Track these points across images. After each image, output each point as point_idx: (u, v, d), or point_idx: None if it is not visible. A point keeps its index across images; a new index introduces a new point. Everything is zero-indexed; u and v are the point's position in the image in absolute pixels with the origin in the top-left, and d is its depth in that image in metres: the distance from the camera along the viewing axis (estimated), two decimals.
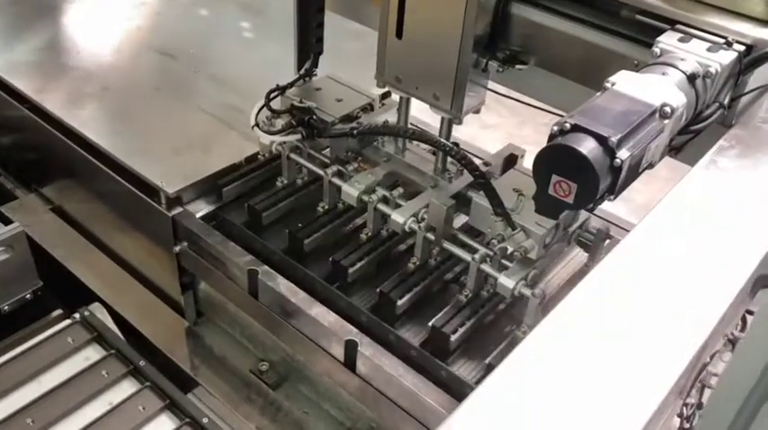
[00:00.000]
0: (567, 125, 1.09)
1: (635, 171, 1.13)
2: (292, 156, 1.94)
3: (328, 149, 1.95)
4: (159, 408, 1.78)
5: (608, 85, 1.19)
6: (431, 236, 1.71)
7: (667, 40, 1.33)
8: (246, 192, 2.02)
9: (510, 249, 1.59)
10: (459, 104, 1.57)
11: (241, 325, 2.03)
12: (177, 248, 1.98)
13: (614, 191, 1.10)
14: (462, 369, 1.64)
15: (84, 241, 2.27)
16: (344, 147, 1.89)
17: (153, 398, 1.80)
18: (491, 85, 1.60)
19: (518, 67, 1.49)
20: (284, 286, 1.78)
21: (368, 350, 1.62)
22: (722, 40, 1.30)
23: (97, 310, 2.02)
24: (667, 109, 1.15)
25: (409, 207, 1.75)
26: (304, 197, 2.00)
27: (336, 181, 1.86)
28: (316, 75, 2.00)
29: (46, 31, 2.59)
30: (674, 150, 1.33)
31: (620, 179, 1.08)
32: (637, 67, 1.33)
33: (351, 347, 1.64)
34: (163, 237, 1.99)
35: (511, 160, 1.80)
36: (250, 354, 2.04)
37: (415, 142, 1.86)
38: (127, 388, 1.84)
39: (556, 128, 1.10)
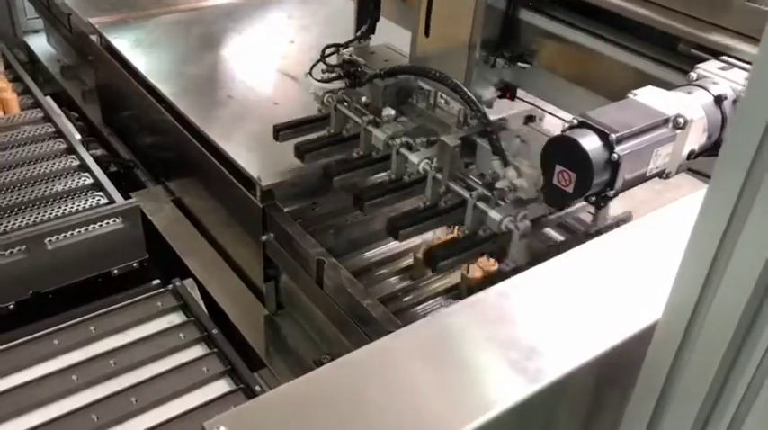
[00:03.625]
0: (575, 121, 1.19)
1: (638, 172, 1.20)
2: (339, 107, 2.11)
3: None
4: (220, 372, 1.98)
5: (630, 95, 1.28)
6: (439, 176, 1.81)
7: (707, 67, 1.39)
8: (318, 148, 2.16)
9: (504, 187, 1.68)
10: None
11: (311, 317, 2.20)
12: (264, 238, 2.20)
13: (614, 185, 1.18)
14: None
15: (191, 227, 2.56)
16: (382, 100, 2.03)
17: (217, 362, 2.00)
18: (539, 102, 1.72)
19: (520, 64, 1.70)
20: (345, 277, 1.94)
21: None
22: None
23: (189, 285, 2.26)
24: (680, 120, 1.21)
25: (426, 152, 1.89)
26: (348, 146, 2.15)
27: (370, 128, 2.01)
28: (370, 38, 2.22)
29: (195, 48, 2.98)
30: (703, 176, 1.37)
31: (618, 174, 1.16)
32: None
33: None
34: (254, 227, 2.22)
35: (529, 120, 1.88)
36: (317, 347, 2.20)
37: (444, 102, 2.02)
38: (198, 351, 2.05)
39: (566, 124, 1.20)
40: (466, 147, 1.78)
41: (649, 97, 1.25)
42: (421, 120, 2.03)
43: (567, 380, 0.91)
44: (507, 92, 1.93)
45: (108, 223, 2.33)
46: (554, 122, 1.94)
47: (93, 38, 3.03)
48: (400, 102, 2.06)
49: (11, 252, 2.18)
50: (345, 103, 2.11)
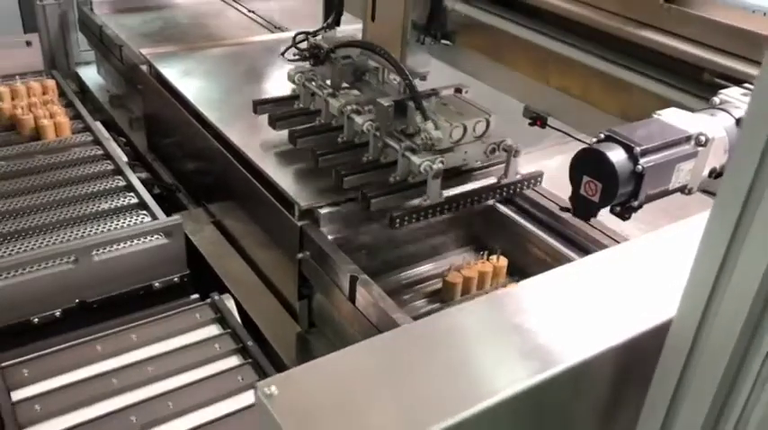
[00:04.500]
0: (602, 135, 1.27)
1: (661, 185, 1.27)
2: (306, 84, 2.51)
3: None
4: (254, 382, 2.04)
5: (654, 115, 1.36)
6: (377, 134, 2.21)
7: (730, 93, 1.46)
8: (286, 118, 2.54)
9: (423, 137, 2.08)
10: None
11: (342, 335, 2.27)
12: (300, 256, 2.28)
13: (638, 196, 1.25)
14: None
15: (229, 247, 2.66)
16: (339, 76, 2.44)
17: (251, 372, 2.08)
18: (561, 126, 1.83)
19: (444, 42, 2.20)
20: (377, 293, 2.01)
21: None
22: None
23: (226, 300, 2.36)
24: (702, 137, 1.29)
25: (369, 116, 2.28)
26: (313, 117, 2.54)
27: (329, 99, 2.40)
28: (336, 29, 2.58)
29: (240, 78, 3.12)
30: None
31: (642, 185, 1.23)
32: None
33: None
34: (290, 246, 2.31)
35: (458, 91, 2.32)
36: None
37: (393, 79, 2.39)
38: (233, 361, 2.13)
39: (594, 138, 1.28)
40: (399, 110, 2.17)
41: (673, 117, 1.33)
42: (372, 94, 2.40)
43: (581, 367, 0.97)
44: (539, 120, 2.01)
45: (152, 238, 2.44)
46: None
47: (144, 67, 3.19)
48: (356, 79, 2.48)
49: (60, 262, 2.30)
50: (312, 82, 2.51)
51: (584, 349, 0.99)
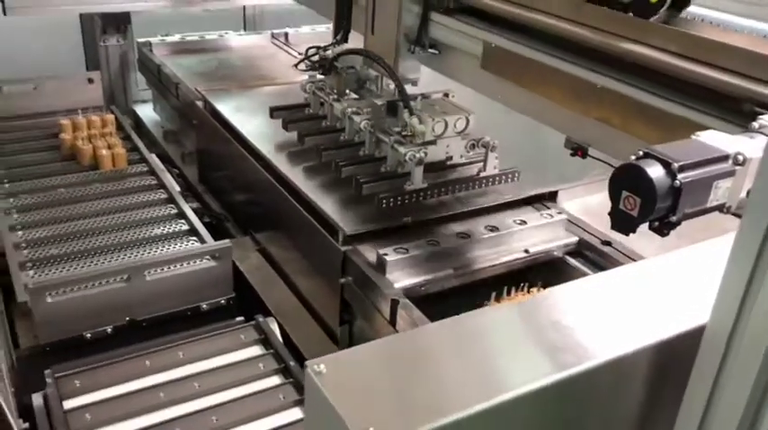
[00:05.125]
0: (641, 152, 1.31)
1: (699, 202, 1.30)
2: (316, 92, 2.88)
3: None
4: (294, 400, 2.09)
5: (693, 136, 1.40)
6: (372, 130, 2.54)
7: None
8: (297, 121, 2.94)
9: (409, 131, 2.40)
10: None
11: None
12: (342, 280, 2.34)
13: (676, 211, 1.28)
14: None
15: (273, 273, 2.74)
16: (345, 85, 2.79)
17: (293, 392, 2.12)
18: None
19: (431, 50, 2.47)
20: (418, 317, 2.05)
21: None
22: None
23: (270, 322, 2.42)
24: (740, 157, 1.32)
25: (365, 116, 2.61)
26: (321, 121, 2.90)
27: (334, 103, 2.76)
28: (345, 43, 2.88)
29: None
30: None
31: (680, 201, 1.27)
32: None
33: None
34: (333, 271, 2.37)
35: (445, 95, 2.66)
36: None
37: (389, 85, 2.70)
38: (275, 380, 2.19)
39: (633, 156, 1.33)
40: (391, 110, 2.48)
41: (711, 137, 1.37)
42: (371, 98, 2.72)
43: (616, 363, 1.01)
44: (579, 151, 2.06)
45: (201, 261, 2.53)
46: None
47: (199, 103, 3.34)
48: (359, 87, 2.82)
49: (113, 280, 2.40)
50: (321, 90, 2.87)
51: (619, 346, 1.02)
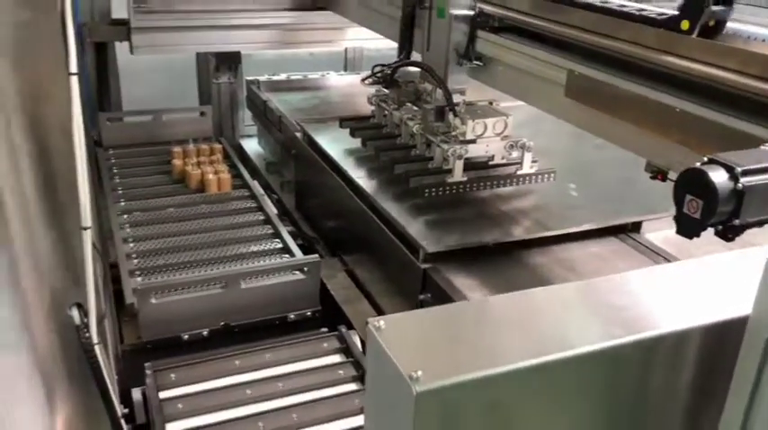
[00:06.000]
0: (705, 158, 1.36)
1: (763, 208, 1.33)
2: (380, 104, 3.20)
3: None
4: None
5: (762, 146, 1.43)
6: (422, 131, 2.86)
7: None
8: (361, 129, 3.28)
9: (451, 131, 2.70)
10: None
11: None
12: (421, 297, 2.43)
13: (739, 215, 1.32)
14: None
15: (358, 292, 2.86)
16: (405, 96, 3.09)
17: None
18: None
19: (475, 62, 2.71)
20: None
21: None
22: None
23: (352, 334, 2.53)
24: None
25: (417, 121, 2.93)
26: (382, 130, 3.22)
27: (393, 112, 3.08)
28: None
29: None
30: None
31: (743, 204, 1.30)
32: None
33: None
34: (413, 288, 2.47)
35: (490, 103, 2.93)
36: None
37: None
38: (352, 386, 2.29)
39: (698, 163, 1.37)
40: (439, 115, 2.80)
41: None
42: (424, 106, 2.97)
43: (660, 339, 1.06)
44: (660, 174, 2.09)
45: (293, 273, 2.68)
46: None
47: (298, 134, 3.56)
48: (417, 98, 3.08)
49: (211, 286, 2.58)
50: (384, 102, 3.19)
51: (665, 324, 1.07)
